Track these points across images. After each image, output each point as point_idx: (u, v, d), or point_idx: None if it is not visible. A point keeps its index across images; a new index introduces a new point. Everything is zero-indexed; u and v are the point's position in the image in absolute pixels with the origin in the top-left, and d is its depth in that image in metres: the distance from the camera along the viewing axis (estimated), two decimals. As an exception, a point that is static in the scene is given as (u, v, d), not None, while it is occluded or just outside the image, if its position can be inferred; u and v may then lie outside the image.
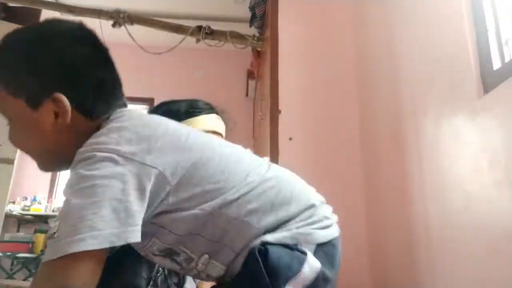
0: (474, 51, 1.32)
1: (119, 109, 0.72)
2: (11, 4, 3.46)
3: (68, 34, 0.71)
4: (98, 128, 0.68)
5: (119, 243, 0.57)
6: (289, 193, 0.72)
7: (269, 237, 0.66)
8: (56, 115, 0.66)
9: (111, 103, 0.72)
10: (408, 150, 1.75)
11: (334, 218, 0.80)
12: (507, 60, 1.25)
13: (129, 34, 3.26)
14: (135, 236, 0.59)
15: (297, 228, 0.69)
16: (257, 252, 0.64)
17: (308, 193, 0.77)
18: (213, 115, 1.12)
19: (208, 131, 1.02)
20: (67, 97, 0.66)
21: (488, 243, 1.18)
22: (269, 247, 0.65)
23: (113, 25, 3.29)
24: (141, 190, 0.60)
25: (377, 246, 2.07)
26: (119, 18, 3.25)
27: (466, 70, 1.33)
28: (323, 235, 0.72)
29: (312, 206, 0.73)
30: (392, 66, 1.98)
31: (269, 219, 0.68)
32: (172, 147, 0.66)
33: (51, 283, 0.55)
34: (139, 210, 0.60)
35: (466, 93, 1.33)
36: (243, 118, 4.36)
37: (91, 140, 0.63)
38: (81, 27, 0.73)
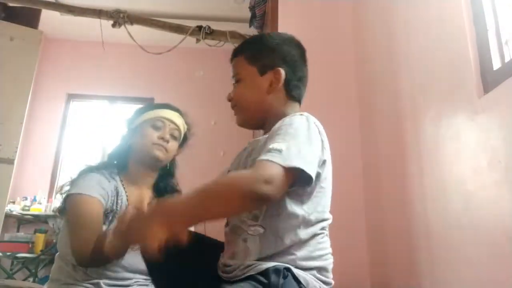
0: (474, 51, 1.32)
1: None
2: (11, 4, 3.46)
3: (293, 41, 1.10)
4: (290, 107, 1.04)
5: (312, 173, 0.84)
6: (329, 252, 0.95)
7: (293, 267, 0.84)
8: (271, 83, 1.02)
9: (301, 95, 1.07)
10: (408, 150, 1.75)
11: None
12: (507, 60, 1.24)
13: (129, 34, 3.26)
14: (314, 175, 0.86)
15: (315, 279, 0.88)
16: (282, 270, 0.81)
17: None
18: (176, 112, 1.44)
19: (167, 118, 1.38)
20: (285, 75, 1.02)
21: (488, 243, 1.18)
22: (290, 273, 0.82)
23: (113, 25, 3.29)
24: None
25: (377, 246, 2.07)
26: (119, 18, 3.25)
27: (466, 70, 1.33)
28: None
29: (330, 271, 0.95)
30: (392, 66, 1.98)
31: (311, 262, 0.88)
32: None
33: (266, 173, 0.79)
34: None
35: (466, 93, 1.33)
36: (243, 118, 4.36)
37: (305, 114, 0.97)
38: (294, 38, 1.12)
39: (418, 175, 1.66)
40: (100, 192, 1.25)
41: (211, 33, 3.30)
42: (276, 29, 2.50)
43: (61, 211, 1.27)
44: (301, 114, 0.95)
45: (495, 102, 1.19)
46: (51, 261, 3.64)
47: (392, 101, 1.96)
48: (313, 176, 0.84)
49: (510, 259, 1.08)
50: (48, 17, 3.90)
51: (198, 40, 3.34)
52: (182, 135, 1.45)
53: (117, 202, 1.29)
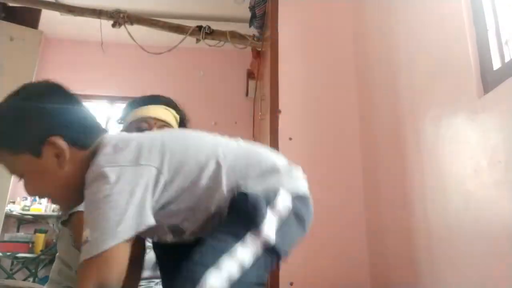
0: (474, 51, 1.32)
1: (102, 136, 0.87)
2: (11, 4, 3.46)
3: (39, 93, 0.87)
4: (93, 153, 0.82)
5: (139, 230, 0.74)
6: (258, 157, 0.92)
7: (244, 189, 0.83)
8: (57, 155, 0.82)
9: (94, 132, 0.87)
10: (408, 150, 1.75)
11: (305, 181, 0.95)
12: (507, 60, 1.24)
13: (129, 34, 3.27)
14: (149, 221, 0.76)
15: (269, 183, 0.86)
16: (238, 195, 0.82)
17: (273, 157, 0.94)
18: (161, 106, 1.35)
19: (151, 117, 1.30)
20: (61, 137, 0.82)
21: (488, 243, 1.18)
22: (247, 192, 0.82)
23: (113, 25, 3.29)
24: (146, 187, 0.78)
25: (377, 246, 2.07)
26: (119, 18, 3.25)
27: (466, 70, 1.33)
28: (297, 187, 0.90)
29: (276, 167, 0.90)
30: (392, 66, 1.98)
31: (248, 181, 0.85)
32: (156, 150, 0.83)
33: (93, 277, 0.71)
34: (148, 204, 0.77)
35: (466, 93, 1.33)
36: (243, 118, 4.36)
37: (96, 162, 0.79)
38: (47, 84, 0.89)
39: (418, 175, 1.66)
40: None
41: (211, 33, 3.30)
42: (276, 29, 2.50)
43: (64, 222, 1.24)
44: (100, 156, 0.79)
45: (495, 102, 1.19)
46: (51, 261, 3.63)
47: (392, 101, 1.96)
48: (144, 226, 0.75)
49: (510, 259, 1.08)
50: (48, 17, 3.89)
51: (198, 40, 3.34)
52: (177, 125, 1.36)
53: None
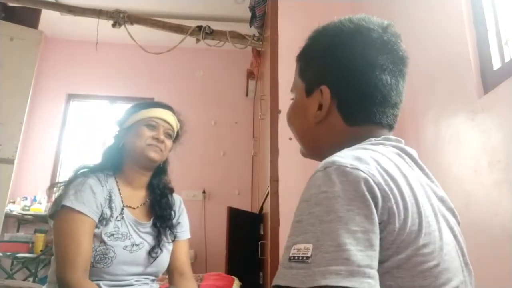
0: (474, 51, 1.32)
1: (379, 136, 0.71)
2: (11, 4, 3.46)
3: (362, 30, 0.79)
4: (354, 136, 0.69)
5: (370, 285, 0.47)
6: None
7: None
8: (320, 106, 0.72)
9: (374, 118, 0.72)
10: (408, 150, 1.75)
11: None
12: (507, 60, 1.25)
13: (129, 34, 3.27)
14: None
15: None
16: None
17: None
18: (169, 111, 1.44)
19: (160, 118, 1.38)
20: (332, 92, 0.71)
21: (488, 243, 1.18)
22: None
23: (113, 25, 3.30)
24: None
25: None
26: (119, 18, 3.26)
27: (466, 70, 1.33)
28: None
29: None
30: (392, 66, 1.98)
31: None
32: None
33: None
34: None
35: (466, 93, 1.33)
36: (243, 118, 4.37)
37: (346, 152, 0.59)
38: (364, 25, 0.80)
39: (418, 175, 1.66)
40: (93, 207, 1.22)
41: (211, 33, 3.31)
42: (276, 29, 2.50)
43: (52, 216, 1.26)
44: (332, 165, 0.55)
45: (495, 102, 1.19)
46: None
47: (392, 101, 1.96)
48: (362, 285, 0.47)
49: (510, 258, 1.08)
50: (48, 17, 3.90)
51: (198, 40, 3.34)
52: (175, 132, 1.46)
53: (110, 206, 1.28)
